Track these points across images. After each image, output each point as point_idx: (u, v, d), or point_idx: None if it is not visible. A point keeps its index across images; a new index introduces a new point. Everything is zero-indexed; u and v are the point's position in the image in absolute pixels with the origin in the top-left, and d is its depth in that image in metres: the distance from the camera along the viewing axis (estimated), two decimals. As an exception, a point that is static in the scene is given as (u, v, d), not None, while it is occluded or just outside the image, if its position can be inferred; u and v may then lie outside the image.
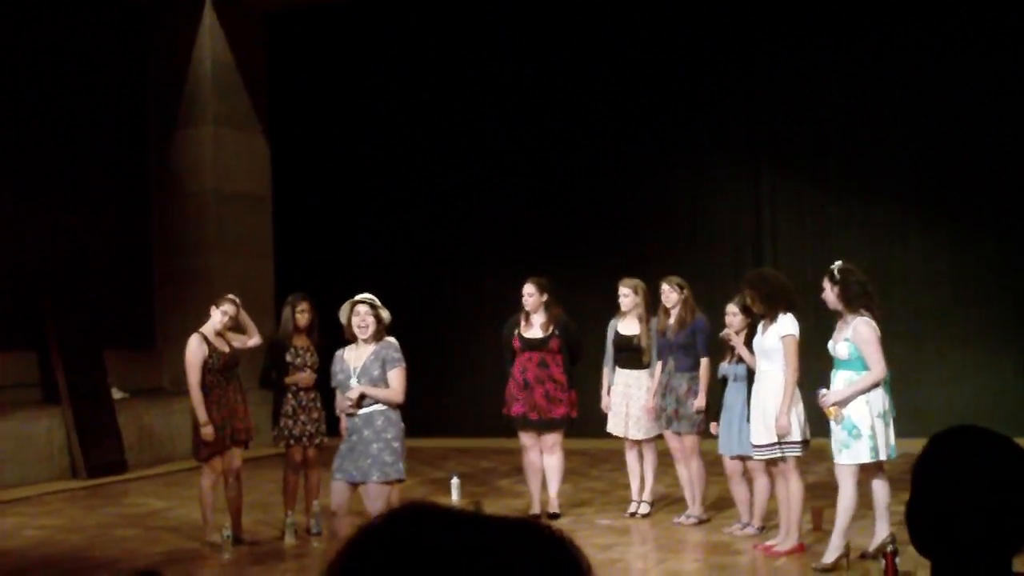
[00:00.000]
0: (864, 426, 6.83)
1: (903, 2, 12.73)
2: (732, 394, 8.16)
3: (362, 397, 6.74)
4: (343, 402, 6.77)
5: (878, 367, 6.88)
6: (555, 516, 8.90)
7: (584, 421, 9.35)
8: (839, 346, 7.02)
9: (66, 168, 13.11)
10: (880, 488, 7.24)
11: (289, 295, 9.15)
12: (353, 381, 6.75)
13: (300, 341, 8.76)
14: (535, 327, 8.95)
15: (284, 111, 15.00)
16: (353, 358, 6.83)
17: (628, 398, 8.92)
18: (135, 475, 12.05)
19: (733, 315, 8.14)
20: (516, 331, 9.00)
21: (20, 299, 12.27)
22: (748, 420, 7.79)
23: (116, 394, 12.63)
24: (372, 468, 6.71)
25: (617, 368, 9.03)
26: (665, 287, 8.73)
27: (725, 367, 8.28)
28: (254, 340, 8.72)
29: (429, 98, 14.84)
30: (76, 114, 13.26)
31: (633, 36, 13.86)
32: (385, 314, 6.94)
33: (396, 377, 6.77)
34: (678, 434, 8.62)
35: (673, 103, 13.72)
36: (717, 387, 8.52)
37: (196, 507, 8.84)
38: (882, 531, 7.17)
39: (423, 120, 14.89)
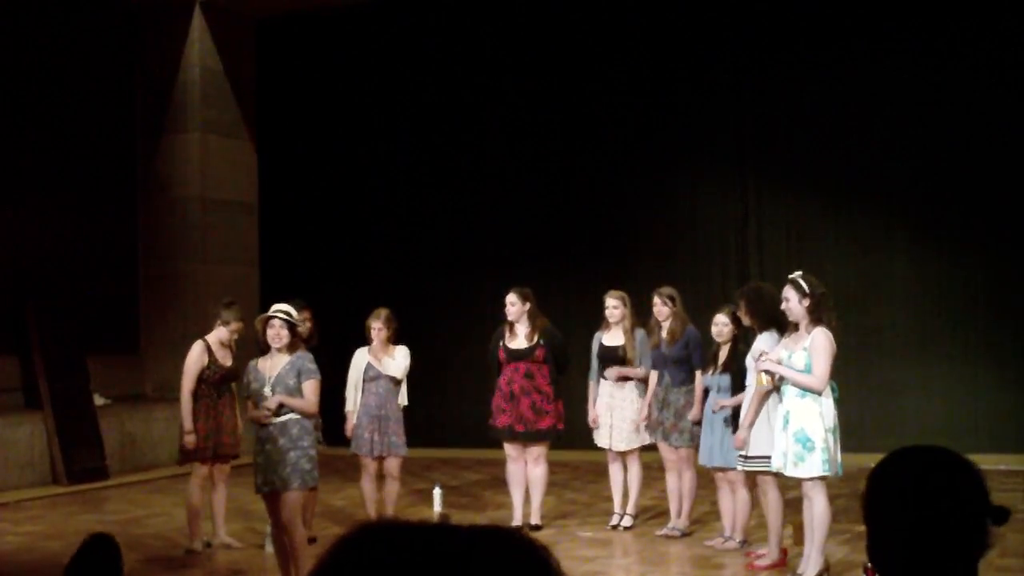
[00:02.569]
0: (818, 439, 6.84)
1: (887, 18, 12.79)
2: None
3: (280, 407, 6.78)
4: (259, 412, 6.80)
5: (821, 378, 6.85)
6: (536, 528, 8.90)
7: (568, 433, 9.35)
8: (796, 355, 6.96)
9: (52, 172, 13.07)
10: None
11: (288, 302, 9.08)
12: (267, 390, 6.80)
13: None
14: (519, 337, 8.96)
15: (272, 119, 14.97)
16: (267, 367, 6.89)
17: (612, 409, 8.91)
18: (116, 482, 12.00)
19: (724, 325, 8.16)
20: (501, 342, 9.01)
21: (3, 303, 12.21)
22: (734, 431, 7.82)
23: (98, 400, 12.58)
24: (293, 476, 6.78)
25: (601, 380, 9.02)
26: (656, 300, 8.72)
27: (708, 378, 8.29)
28: None
29: (419, 107, 14.86)
30: (63, 118, 13.22)
31: (622, 51, 13.90)
32: (301, 327, 7.03)
33: (310, 388, 6.85)
34: (675, 447, 8.62)
35: (659, 115, 13.75)
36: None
37: (177, 514, 8.83)
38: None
39: (412, 129, 14.90)
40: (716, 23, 13.47)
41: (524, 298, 8.96)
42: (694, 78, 13.61)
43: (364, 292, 14.33)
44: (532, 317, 8.95)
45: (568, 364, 9.11)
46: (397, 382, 8.78)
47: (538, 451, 8.96)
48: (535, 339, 8.91)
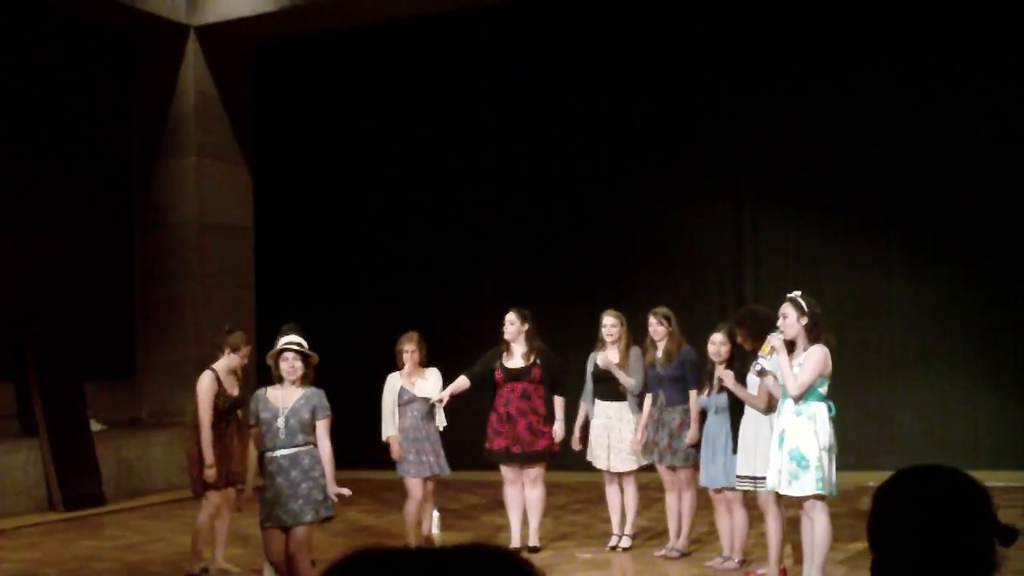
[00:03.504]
0: (812, 457, 6.85)
1: (886, 37, 12.83)
2: (715, 426, 8.13)
3: (295, 445, 6.78)
4: (245, 498, 6.81)
5: (800, 385, 6.88)
6: (535, 550, 8.88)
7: (567, 454, 9.33)
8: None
9: (47, 197, 13.07)
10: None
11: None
12: (280, 421, 6.77)
13: None
14: (516, 357, 8.97)
15: (268, 142, 14.99)
16: (279, 398, 6.85)
17: (609, 430, 8.90)
18: (113, 508, 11.95)
19: (721, 344, 8.13)
20: (498, 363, 9.01)
21: (0, 329, 12.19)
22: (734, 452, 7.81)
23: (95, 426, 12.54)
24: (306, 508, 6.73)
25: (597, 400, 9.00)
26: (652, 320, 8.73)
27: (705, 399, 8.26)
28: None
29: (413, 130, 14.88)
30: (59, 144, 13.23)
31: (619, 68, 13.94)
32: (313, 359, 7.01)
33: (324, 428, 6.86)
34: (672, 468, 8.60)
35: (656, 134, 13.78)
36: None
37: (175, 540, 8.80)
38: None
39: (407, 152, 14.92)
40: (713, 43, 13.51)
41: (523, 318, 8.99)
42: (691, 98, 13.65)
43: (360, 314, 14.34)
44: (530, 338, 8.98)
45: (562, 384, 9.10)
46: (432, 404, 8.82)
47: (535, 472, 8.95)
48: (531, 359, 8.93)
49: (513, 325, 8.97)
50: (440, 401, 8.88)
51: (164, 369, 13.81)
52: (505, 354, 9.01)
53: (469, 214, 14.54)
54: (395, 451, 8.76)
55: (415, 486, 8.75)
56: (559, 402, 8.98)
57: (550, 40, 14.19)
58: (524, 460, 8.90)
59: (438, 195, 14.74)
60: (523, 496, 8.99)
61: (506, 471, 8.99)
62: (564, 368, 9.30)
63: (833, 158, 13.00)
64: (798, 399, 6.90)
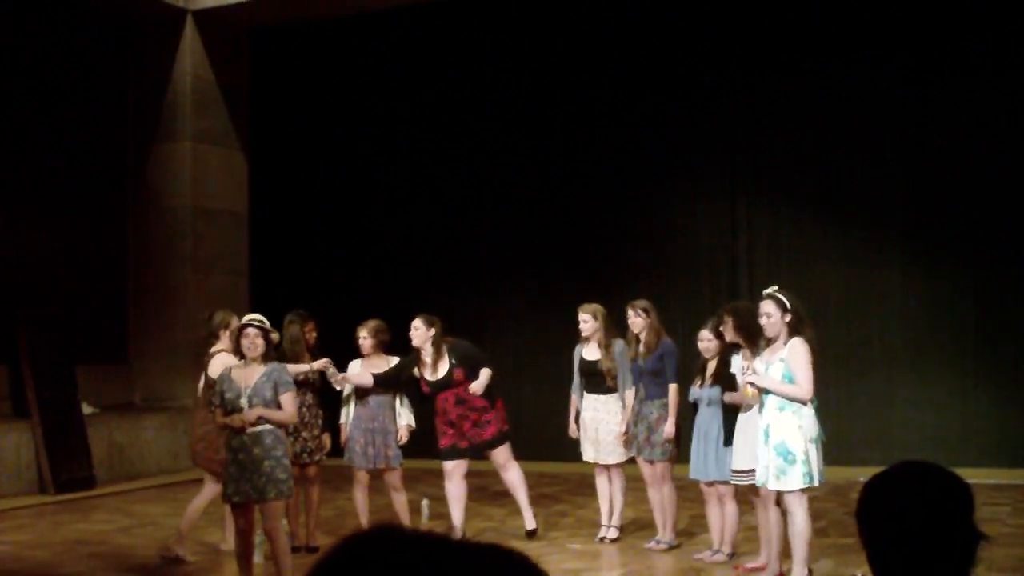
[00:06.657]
0: (798, 451, 6.86)
1: (881, 32, 12.83)
2: (706, 418, 8.09)
3: (257, 425, 6.81)
4: (238, 418, 6.78)
5: (806, 387, 6.88)
6: (533, 532, 8.91)
7: (556, 446, 9.33)
8: (773, 367, 6.98)
9: (42, 181, 13.06)
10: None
11: (292, 313, 9.00)
12: (244, 401, 6.80)
13: (306, 359, 8.80)
14: (430, 366, 8.79)
15: (264, 128, 14.98)
16: (242, 377, 6.87)
17: (597, 423, 8.88)
18: (103, 491, 11.96)
19: (709, 340, 8.13)
20: (419, 373, 8.81)
21: (-8, 311, 12.19)
22: (726, 444, 7.81)
23: (86, 409, 12.55)
24: (268, 486, 6.78)
25: (585, 393, 8.99)
26: (630, 312, 8.69)
27: (697, 391, 8.23)
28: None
29: (408, 117, 14.87)
30: (54, 127, 13.21)
31: (610, 61, 13.93)
32: (274, 335, 7.08)
33: (289, 400, 6.87)
34: (650, 461, 8.60)
35: (649, 127, 13.77)
36: (687, 411, 8.48)
37: (164, 524, 8.81)
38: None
39: (404, 139, 14.91)
40: (706, 37, 13.50)
41: (429, 323, 8.80)
42: (685, 93, 13.63)
43: (354, 302, 14.31)
44: (436, 345, 8.76)
45: (485, 365, 8.86)
46: (392, 395, 8.72)
47: (502, 457, 8.90)
48: (448, 363, 8.78)
49: (418, 331, 8.78)
50: (343, 380, 8.67)
51: (157, 354, 13.81)
52: (422, 364, 8.80)
53: (465, 203, 14.53)
54: (342, 439, 8.74)
55: (362, 474, 8.72)
56: (485, 373, 8.77)
57: (547, 31, 14.17)
58: (474, 452, 8.90)
59: (434, 183, 14.73)
60: (463, 491, 8.89)
61: (447, 466, 8.88)
62: (554, 362, 9.28)
63: (828, 153, 12.99)
64: (807, 400, 6.91)
